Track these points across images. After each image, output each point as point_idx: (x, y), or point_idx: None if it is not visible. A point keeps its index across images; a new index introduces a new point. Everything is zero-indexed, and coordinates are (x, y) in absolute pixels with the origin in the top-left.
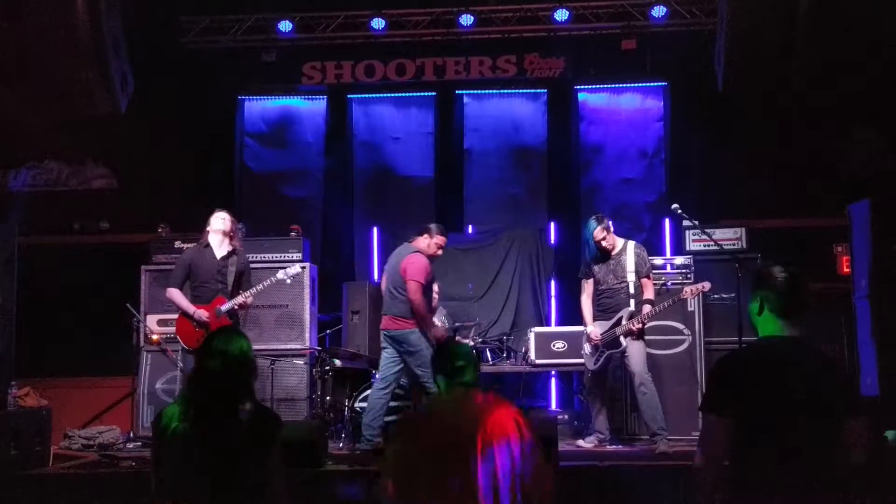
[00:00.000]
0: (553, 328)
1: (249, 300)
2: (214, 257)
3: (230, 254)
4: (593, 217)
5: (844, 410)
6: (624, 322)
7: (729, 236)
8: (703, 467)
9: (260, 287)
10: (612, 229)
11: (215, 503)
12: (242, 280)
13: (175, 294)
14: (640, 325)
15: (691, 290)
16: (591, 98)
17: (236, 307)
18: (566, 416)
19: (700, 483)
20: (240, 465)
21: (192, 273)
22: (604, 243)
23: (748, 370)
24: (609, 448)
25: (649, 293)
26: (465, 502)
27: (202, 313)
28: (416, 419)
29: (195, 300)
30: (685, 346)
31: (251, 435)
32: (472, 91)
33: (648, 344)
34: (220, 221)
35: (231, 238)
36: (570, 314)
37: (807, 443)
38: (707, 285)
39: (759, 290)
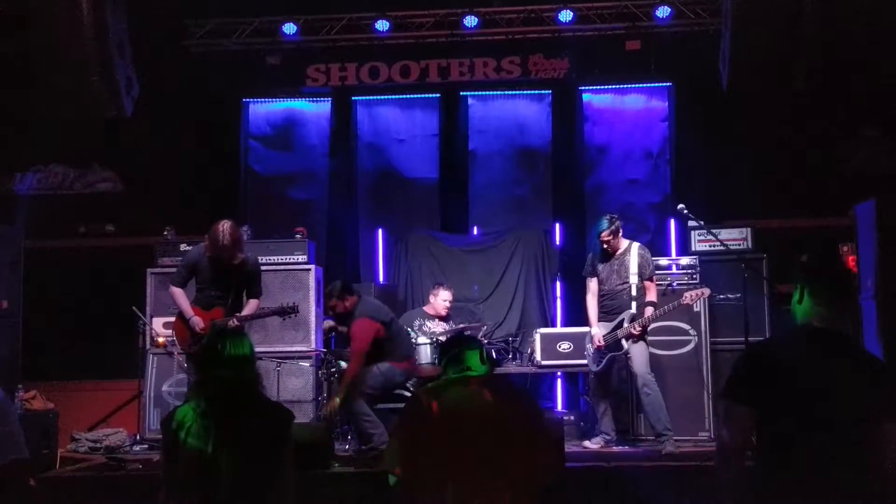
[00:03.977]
0: (559, 329)
1: (240, 322)
2: (218, 266)
3: (236, 265)
4: (606, 217)
5: (883, 411)
6: (625, 325)
7: (735, 237)
8: (722, 458)
9: (251, 311)
10: (620, 234)
11: (229, 500)
12: (252, 285)
13: (177, 294)
14: (641, 329)
15: (691, 296)
16: (596, 99)
17: (230, 325)
18: (572, 418)
19: (721, 476)
20: (255, 461)
21: (197, 274)
22: (606, 245)
23: (777, 359)
24: (615, 449)
25: (651, 295)
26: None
27: (198, 321)
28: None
29: (195, 302)
30: (691, 346)
31: (265, 431)
32: (476, 92)
33: (654, 344)
34: (216, 245)
35: (236, 248)
36: (576, 315)
37: (835, 442)
38: (707, 291)
39: (803, 279)
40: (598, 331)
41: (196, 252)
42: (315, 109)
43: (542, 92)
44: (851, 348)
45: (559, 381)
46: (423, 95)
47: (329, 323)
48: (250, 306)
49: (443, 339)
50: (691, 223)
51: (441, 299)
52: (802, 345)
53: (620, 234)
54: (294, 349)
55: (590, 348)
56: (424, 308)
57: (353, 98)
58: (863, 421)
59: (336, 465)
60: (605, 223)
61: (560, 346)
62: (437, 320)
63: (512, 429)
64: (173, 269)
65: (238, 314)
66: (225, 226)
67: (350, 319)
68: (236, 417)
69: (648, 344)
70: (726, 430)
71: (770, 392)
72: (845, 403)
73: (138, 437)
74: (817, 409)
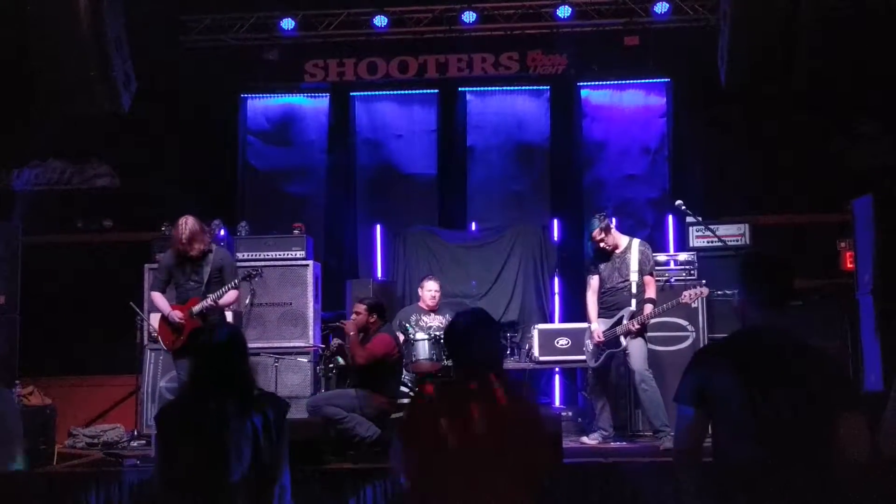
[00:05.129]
0: (557, 325)
1: (215, 302)
2: (188, 259)
3: (204, 254)
4: (595, 216)
5: (837, 405)
6: (625, 321)
7: (732, 232)
8: (677, 463)
9: (227, 288)
10: (612, 229)
11: (224, 491)
12: (224, 276)
13: (156, 297)
14: (640, 326)
15: (690, 295)
16: (594, 95)
17: (205, 308)
18: (570, 413)
19: (679, 480)
20: (252, 454)
21: (172, 275)
22: (601, 244)
23: (727, 361)
24: (613, 445)
25: (651, 292)
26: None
27: (176, 313)
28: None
29: (176, 301)
30: (689, 342)
31: (261, 423)
32: (474, 88)
33: (652, 340)
34: (175, 239)
35: (193, 241)
36: (574, 311)
37: (794, 438)
38: (705, 291)
39: (744, 279)
40: (597, 326)
41: (167, 255)
42: (313, 105)
43: (541, 88)
44: (800, 345)
45: (557, 377)
46: (421, 91)
47: (338, 342)
48: (229, 295)
49: (439, 334)
50: (689, 219)
51: (427, 290)
52: (751, 345)
53: (613, 230)
54: (292, 345)
55: (588, 344)
56: (419, 304)
57: (351, 94)
58: (816, 416)
59: (332, 459)
60: (595, 222)
61: (558, 342)
62: (431, 314)
63: (511, 425)
64: None
65: (211, 295)
66: (184, 220)
67: (370, 333)
68: (230, 411)
69: (647, 340)
70: (681, 434)
71: (722, 394)
72: (798, 401)
73: (136, 433)
74: (770, 409)
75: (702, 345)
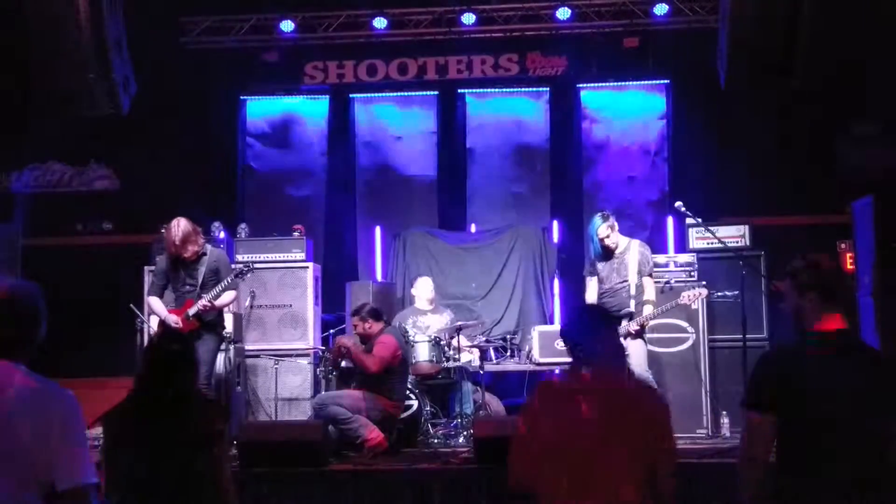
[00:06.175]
0: (556, 327)
1: (210, 303)
2: (183, 262)
3: (198, 255)
4: (599, 214)
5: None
6: (624, 323)
7: (732, 234)
8: (745, 467)
9: (222, 287)
10: (616, 227)
11: (161, 497)
12: (220, 277)
13: (152, 302)
14: (640, 327)
15: (689, 297)
16: (594, 96)
17: (201, 310)
18: None
19: (744, 483)
20: (186, 462)
21: (168, 279)
22: (607, 241)
23: (795, 365)
24: None
25: (650, 293)
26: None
27: (172, 317)
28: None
29: (174, 304)
30: (689, 343)
31: (197, 430)
32: (474, 90)
33: (652, 342)
34: (167, 241)
35: (186, 243)
36: None
37: (859, 442)
38: (704, 292)
39: (803, 284)
40: None
41: (162, 259)
42: (313, 107)
43: (540, 89)
44: (861, 347)
45: None
46: (420, 93)
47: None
48: (226, 296)
49: (438, 335)
50: (689, 220)
51: (421, 290)
52: (815, 349)
53: (617, 228)
54: (292, 347)
55: None
56: (414, 305)
57: (350, 95)
58: (883, 419)
59: (332, 461)
60: (598, 220)
61: (558, 344)
62: (429, 315)
63: (635, 417)
64: None
65: (207, 295)
66: (176, 222)
67: (373, 339)
68: (167, 418)
69: (646, 342)
70: (748, 440)
71: (789, 399)
72: (865, 404)
73: None
74: (838, 412)
75: (702, 347)
